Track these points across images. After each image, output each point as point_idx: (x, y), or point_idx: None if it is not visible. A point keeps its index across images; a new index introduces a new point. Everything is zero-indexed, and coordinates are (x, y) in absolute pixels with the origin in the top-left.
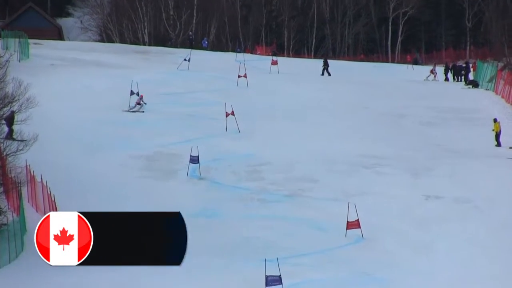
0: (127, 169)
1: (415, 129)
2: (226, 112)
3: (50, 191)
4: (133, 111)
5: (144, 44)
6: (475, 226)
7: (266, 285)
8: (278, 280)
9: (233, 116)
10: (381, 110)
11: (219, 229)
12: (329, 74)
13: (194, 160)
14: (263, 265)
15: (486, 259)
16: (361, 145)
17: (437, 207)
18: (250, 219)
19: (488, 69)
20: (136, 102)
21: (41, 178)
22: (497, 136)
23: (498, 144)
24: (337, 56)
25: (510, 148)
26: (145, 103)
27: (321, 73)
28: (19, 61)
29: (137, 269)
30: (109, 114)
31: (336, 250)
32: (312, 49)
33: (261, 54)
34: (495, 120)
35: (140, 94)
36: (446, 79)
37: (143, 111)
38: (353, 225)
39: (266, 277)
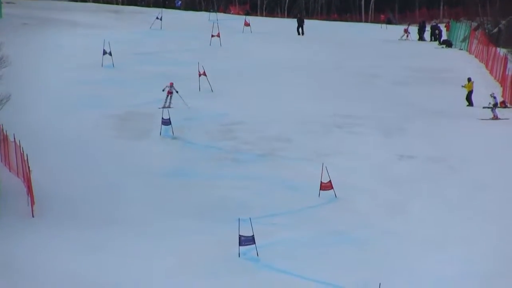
0: (99, 128)
1: (389, 88)
2: (198, 72)
3: (23, 151)
4: (167, 107)
5: (117, 3)
6: (449, 186)
7: (240, 245)
8: (251, 239)
9: (206, 77)
10: (354, 70)
11: (192, 189)
12: (301, 34)
13: (166, 122)
14: (236, 225)
15: (460, 219)
16: (335, 105)
17: (411, 167)
18: (223, 179)
19: (461, 29)
20: (168, 92)
21: (14, 138)
22: (469, 96)
23: (470, 104)
24: (310, 15)
25: (484, 108)
26: (177, 91)
27: (297, 33)
28: None
29: (110, 230)
30: (82, 73)
31: (309, 210)
32: (285, 8)
33: (234, 13)
34: (469, 80)
35: (170, 82)
36: (420, 38)
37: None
38: (326, 186)
39: (240, 236)
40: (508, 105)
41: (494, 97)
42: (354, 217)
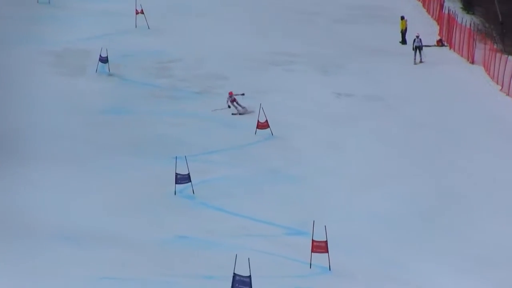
0: (37, 65)
1: (326, 26)
2: (136, 10)
3: None
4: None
5: None
6: (386, 123)
7: (176, 183)
8: (187, 178)
9: (143, 15)
10: (292, 7)
11: (129, 126)
12: None
13: (103, 60)
14: (173, 162)
15: (397, 157)
16: (272, 42)
17: (348, 105)
18: (160, 116)
19: None
20: (231, 100)
21: None
22: (403, 34)
23: (404, 42)
24: None
25: (424, 46)
26: (242, 94)
27: None
28: None
29: (47, 167)
30: (16, 9)
31: (246, 147)
32: None
33: None
34: (402, 18)
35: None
36: None
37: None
38: (263, 126)
39: (176, 175)
40: (445, 44)
41: (420, 40)
42: (291, 155)
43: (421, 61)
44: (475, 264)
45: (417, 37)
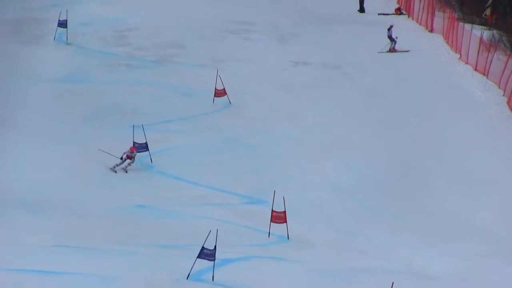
0: None
1: None
2: None
3: None
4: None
5: None
6: (344, 92)
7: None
8: (144, 146)
9: None
10: None
11: (87, 95)
12: None
13: (62, 24)
14: (130, 131)
15: (354, 126)
16: (229, 11)
17: (306, 73)
18: (118, 85)
19: None
20: (126, 156)
21: None
22: (361, 2)
23: (362, 10)
24: None
25: (379, 14)
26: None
27: None
28: None
29: (4, 135)
30: None
31: (203, 116)
32: None
33: None
34: None
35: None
36: None
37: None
38: (220, 93)
39: (134, 143)
40: (404, 12)
41: (391, 32)
42: (249, 123)
43: (389, 51)
44: (434, 235)
45: (391, 27)
